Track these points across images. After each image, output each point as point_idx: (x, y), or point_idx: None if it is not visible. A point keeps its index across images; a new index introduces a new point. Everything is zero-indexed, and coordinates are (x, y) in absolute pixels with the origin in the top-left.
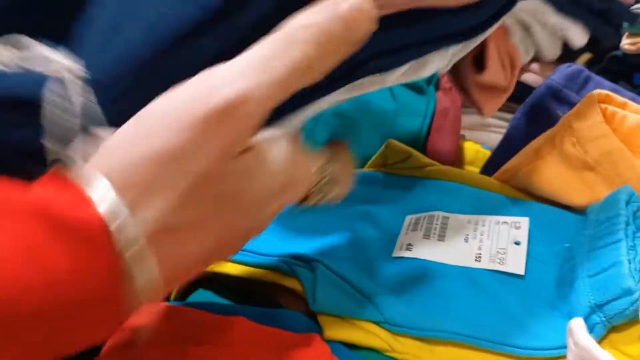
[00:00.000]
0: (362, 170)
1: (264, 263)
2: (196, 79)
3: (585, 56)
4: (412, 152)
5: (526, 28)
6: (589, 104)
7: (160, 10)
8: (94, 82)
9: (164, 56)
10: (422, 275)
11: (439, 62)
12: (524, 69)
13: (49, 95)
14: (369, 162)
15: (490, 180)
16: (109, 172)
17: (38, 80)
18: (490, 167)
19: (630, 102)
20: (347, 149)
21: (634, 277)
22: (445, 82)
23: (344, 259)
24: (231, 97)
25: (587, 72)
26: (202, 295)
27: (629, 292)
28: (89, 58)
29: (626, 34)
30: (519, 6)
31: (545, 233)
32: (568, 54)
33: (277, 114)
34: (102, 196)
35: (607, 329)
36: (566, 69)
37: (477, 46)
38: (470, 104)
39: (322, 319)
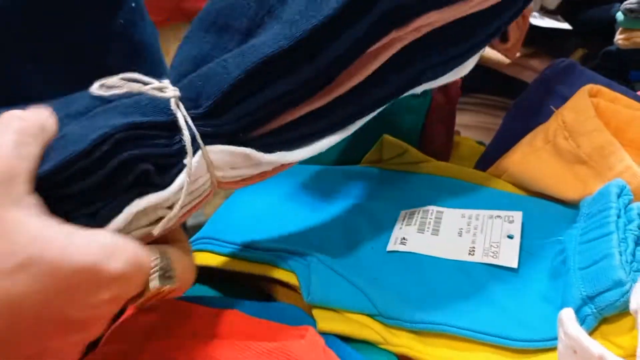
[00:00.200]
0: (357, 166)
1: (260, 257)
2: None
3: (580, 52)
4: (408, 147)
5: None
6: (581, 99)
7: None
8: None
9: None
10: (416, 269)
11: (475, 59)
12: (520, 65)
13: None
14: (365, 158)
15: (484, 175)
16: None
17: (165, 105)
18: (485, 162)
19: (621, 97)
20: (184, 243)
21: (624, 269)
22: None
23: (339, 253)
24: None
25: (580, 67)
26: (197, 290)
27: (619, 283)
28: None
29: (620, 29)
30: None
31: (538, 227)
32: (562, 49)
33: (346, 120)
34: None
35: (598, 321)
36: (560, 64)
37: None
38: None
39: (316, 312)
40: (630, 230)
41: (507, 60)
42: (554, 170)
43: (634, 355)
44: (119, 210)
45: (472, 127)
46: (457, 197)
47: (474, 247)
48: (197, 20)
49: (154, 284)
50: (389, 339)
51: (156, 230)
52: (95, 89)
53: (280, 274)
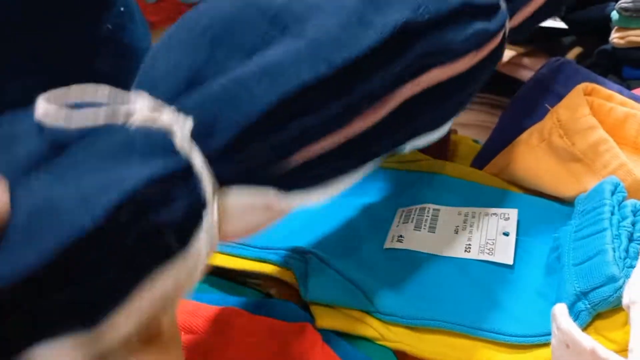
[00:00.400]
0: None
1: (257, 255)
2: None
3: (576, 50)
4: None
5: None
6: (576, 97)
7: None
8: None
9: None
10: (413, 266)
11: None
12: (516, 64)
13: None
14: None
15: (481, 173)
16: None
17: (169, 141)
18: (481, 160)
19: (616, 94)
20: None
21: (618, 265)
22: None
23: (337, 250)
24: None
25: (576, 65)
26: (195, 287)
27: (613, 279)
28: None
29: (615, 27)
30: None
31: (534, 224)
32: (558, 48)
33: (371, 155)
34: None
35: (592, 316)
36: (555, 62)
37: None
38: None
39: (314, 308)
40: (624, 226)
41: (502, 59)
42: (549, 167)
43: (626, 349)
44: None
45: (469, 125)
46: (454, 194)
47: (470, 245)
48: (185, 23)
49: None
50: (386, 335)
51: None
52: (46, 115)
53: (277, 272)
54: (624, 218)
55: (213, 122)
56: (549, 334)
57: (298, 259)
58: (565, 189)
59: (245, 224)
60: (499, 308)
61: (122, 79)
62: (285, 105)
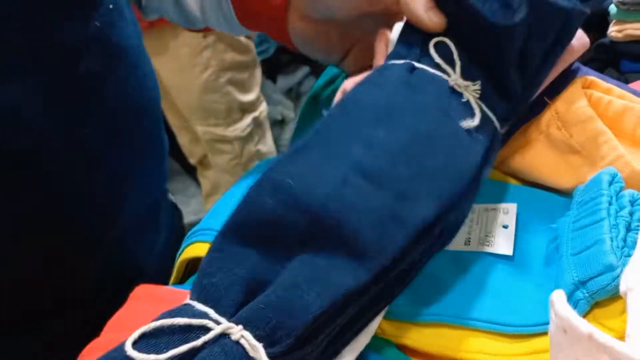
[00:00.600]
0: None
1: None
2: None
3: None
4: None
5: None
6: (574, 89)
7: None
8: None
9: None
10: None
11: None
12: None
13: None
14: None
15: None
16: None
17: (242, 355)
18: None
19: (614, 87)
20: None
21: (615, 254)
22: None
23: None
24: None
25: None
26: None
27: (610, 268)
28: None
29: (613, 21)
30: None
31: (533, 216)
32: None
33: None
34: None
35: (590, 305)
36: None
37: None
38: None
39: None
40: (622, 216)
41: None
42: (547, 160)
43: (624, 337)
44: None
45: None
46: None
47: (469, 238)
48: (229, 233)
49: None
50: (386, 329)
51: None
52: (138, 353)
53: None
54: (621, 208)
55: (275, 329)
56: (547, 324)
57: None
58: (564, 181)
59: None
60: (498, 299)
61: (111, 78)
62: (333, 306)
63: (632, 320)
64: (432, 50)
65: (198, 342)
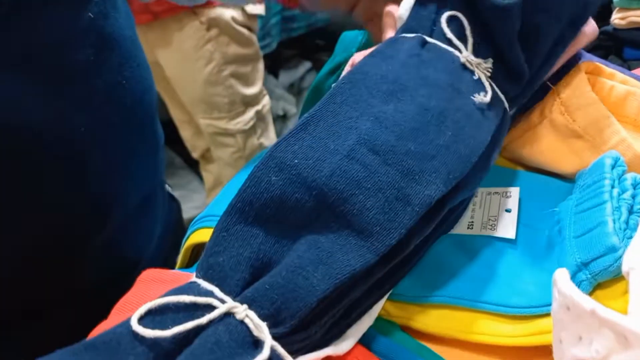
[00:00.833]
0: None
1: None
2: None
3: None
4: None
5: None
6: (577, 74)
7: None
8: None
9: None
10: None
11: None
12: None
13: None
14: None
15: None
16: None
17: (246, 334)
18: None
19: (617, 73)
20: None
21: (618, 235)
22: None
23: None
24: None
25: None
26: None
27: (613, 249)
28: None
29: (616, 8)
30: None
31: (536, 200)
32: None
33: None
34: None
35: (593, 286)
36: None
37: None
38: None
39: None
40: (624, 199)
41: None
42: (550, 144)
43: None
44: None
45: None
46: None
47: (472, 222)
48: (235, 212)
49: None
50: (392, 311)
51: None
52: (143, 329)
53: None
54: (624, 191)
55: (279, 310)
56: (550, 305)
57: None
58: (567, 166)
59: None
60: (501, 281)
61: (105, 69)
62: (338, 288)
63: (634, 298)
64: (444, 25)
65: (203, 320)
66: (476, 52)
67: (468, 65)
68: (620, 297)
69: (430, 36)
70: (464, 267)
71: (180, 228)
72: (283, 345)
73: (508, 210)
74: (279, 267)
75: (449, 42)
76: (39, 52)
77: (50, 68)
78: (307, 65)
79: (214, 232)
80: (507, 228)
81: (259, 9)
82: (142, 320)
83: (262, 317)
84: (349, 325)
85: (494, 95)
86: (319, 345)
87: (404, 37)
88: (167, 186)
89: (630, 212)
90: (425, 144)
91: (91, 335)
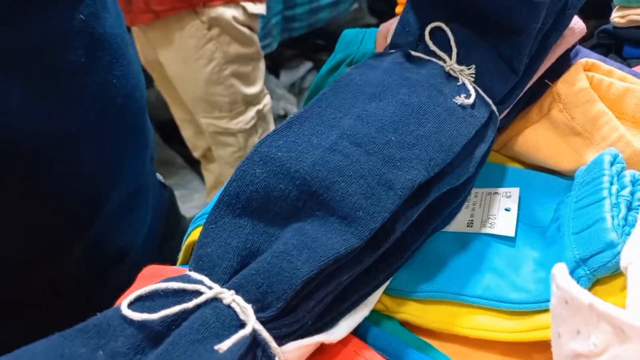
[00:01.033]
0: None
1: None
2: None
3: None
4: None
5: None
6: (576, 72)
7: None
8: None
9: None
10: None
11: None
12: None
13: None
14: None
15: None
16: None
17: (233, 317)
18: None
19: (615, 70)
20: None
21: (616, 232)
22: None
23: None
24: None
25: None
26: None
27: (611, 245)
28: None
29: (616, 7)
30: None
31: (535, 198)
32: None
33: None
34: None
35: (591, 282)
36: None
37: None
38: None
39: None
40: (623, 195)
41: None
42: (549, 142)
43: None
44: None
45: None
46: None
47: (472, 220)
48: (223, 206)
49: None
50: (391, 306)
51: None
52: (132, 312)
53: None
54: (622, 188)
55: (265, 294)
56: (549, 301)
57: None
58: (566, 163)
59: (302, 358)
60: (501, 278)
61: (96, 68)
62: (323, 272)
63: (632, 292)
64: (427, 38)
65: (190, 304)
66: (461, 60)
67: (452, 73)
68: (619, 293)
69: (415, 50)
70: (463, 263)
71: (173, 216)
72: (271, 330)
73: (507, 209)
74: (265, 254)
75: (434, 54)
76: (31, 54)
77: (42, 69)
78: (307, 65)
79: (204, 225)
80: (506, 226)
81: (260, 9)
82: (132, 305)
83: (249, 302)
84: (343, 314)
85: (479, 98)
86: (310, 332)
87: (388, 51)
88: (158, 175)
89: (629, 208)
90: (406, 134)
91: None
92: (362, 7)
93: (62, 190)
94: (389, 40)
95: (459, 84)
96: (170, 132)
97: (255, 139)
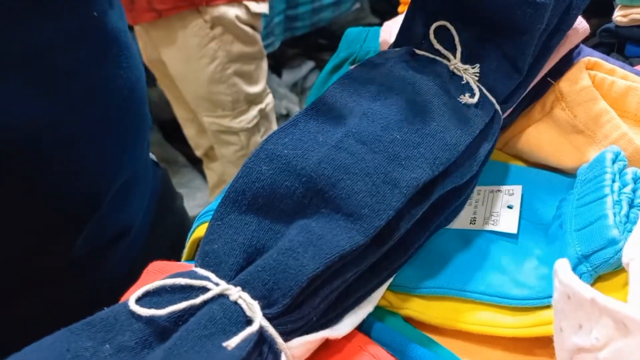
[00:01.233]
0: None
1: None
2: None
3: None
4: None
5: None
6: (578, 70)
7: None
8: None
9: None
10: None
11: None
12: None
13: None
14: None
15: None
16: None
17: (239, 313)
18: None
19: (617, 68)
20: None
21: (618, 228)
22: None
23: None
24: None
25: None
26: None
27: (613, 242)
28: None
29: (618, 6)
30: None
31: (537, 196)
32: None
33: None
34: None
35: (593, 278)
36: None
37: None
38: None
39: None
40: (625, 193)
41: None
42: (551, 140)
43: None
44: None
45: None
46: None
47: (475, 217)
48: (229, 202)
49: None
50: (395, 302)
51: None
52: (140, 307)
53: None
54: (624, 185)
55: (271, 291)
56: (551, 297)
57: None
58: (568, 161)
59: (307, 353)
60: (503, 274)
61: (106, 62)
62: (328, 269)
63: (634, 288)
64: (431, 36)
65: (197, 300)
66: (465, 59)
67: (456, 72)
68: (621, 289)
69: (420, 48)
70: (466, 260)
71: (167, 193)
72: (277, 326)
73: (510, 207)
74: (271, 251)
75: (438, 53)
76: (32, 53)
77: (43, 69)
78: (310, 64)
79: (210, 222)
80: (509, 223)
81: (262, 8)
82: (139, 301)
83: (255, 298)
84: (347, 310)
85: (483, 97)
86: (315, 328)
87: (393, 50)
88: (150, 154)
89: (631, 205)
90: (411, 133)
91: None
92: (364, 6)
93: (62, 190)
94: (393, 39)
95: (463, 82)
96: (172, 131)
97: (257, 138)
